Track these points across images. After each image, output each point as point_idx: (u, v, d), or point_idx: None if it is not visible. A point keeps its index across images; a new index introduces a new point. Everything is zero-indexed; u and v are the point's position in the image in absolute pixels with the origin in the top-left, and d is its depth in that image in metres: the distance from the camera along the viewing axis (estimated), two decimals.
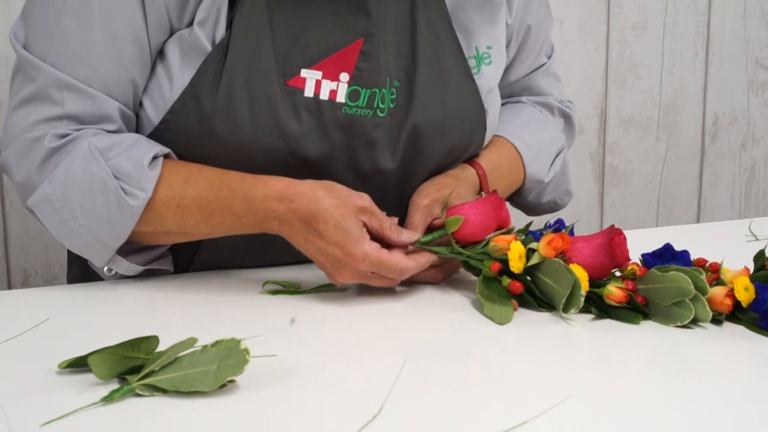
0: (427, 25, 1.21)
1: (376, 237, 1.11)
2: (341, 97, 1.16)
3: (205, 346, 0.86)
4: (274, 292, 1.14)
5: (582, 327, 1.05)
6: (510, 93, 1.42)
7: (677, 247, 1.14)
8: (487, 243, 1.12)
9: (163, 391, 0.86)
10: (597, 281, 1.08)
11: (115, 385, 0.87)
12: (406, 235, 1.12)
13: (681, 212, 2.32)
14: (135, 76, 1.14)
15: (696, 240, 1.31)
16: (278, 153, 1.14)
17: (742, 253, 1.18)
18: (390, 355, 0.97)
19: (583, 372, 0.95)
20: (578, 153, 2.18)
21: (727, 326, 1.06)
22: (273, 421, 0.83)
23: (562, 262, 1.06)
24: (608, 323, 1.06)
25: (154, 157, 1.11)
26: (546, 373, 0.94)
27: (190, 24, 1.14)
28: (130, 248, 1.16)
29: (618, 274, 1.11)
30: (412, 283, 1.16)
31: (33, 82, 1.12)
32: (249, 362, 0.85)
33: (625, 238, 1.09)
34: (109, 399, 0.84)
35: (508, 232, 1.14)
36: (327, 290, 1.15)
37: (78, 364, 0.90)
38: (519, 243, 1.09)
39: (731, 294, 1.06)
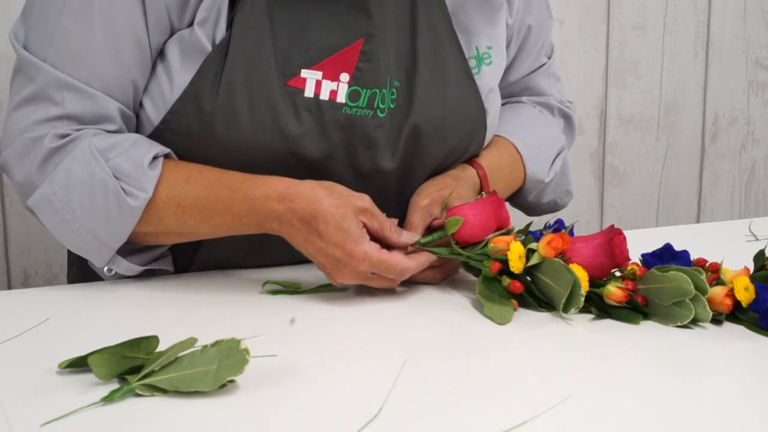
0: (428, 26, 1.21)
1: (376, 238, 1.11)
2: (341, 98, 1.16)
3: (205, 346, 0.86)
4: (274, 292, 1.14)
5: (582, 327, 1.05)
6: (510, 93, 1.42)
7: (677, 247, 1.14)
8: (487, 244, 1.12)
9: (163, 391, 0.86)
10: (597, 281, 1.08)
11: (115, 385, 0.87)
12: (406, 236, 1.12)
13: (681, 212, 2.32)
14: (135, 77, 1.14)
15: (696, 240, 1.31)
16: (278, 153, 1.14)
17: (742, 253, 1.18)
18: (390, 355, 0.97)
19: (583, 372, 0.95)
20: (578, 153, 2.18)
21: (727, 326, 1.06)
22: (273, 421, 0.83)
23: (561, 262, 1.06)
24: (608, 323, 1.06)
25: (155, 158, 1.11)
26: (546, 373, 0.94)
27: (191, 24, 1.14)
28: (130, 248, 1.16)
29: (618, 274, 1.11)
30: (411, 283, 1.16)
31: (33, 82, 1.12)
32: (249, 362, 0.85)
33: (624, 238, 1.09)
34: (109, 399, 0.84)
35: (508, 232, 1.14)
36: (327, 290, 1.15)
37: (78, 364, 0.90)
38: (519, 243, 1.09)
39: (731, 294, 1.06)
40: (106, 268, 1.15)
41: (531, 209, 1.42)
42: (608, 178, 2.24)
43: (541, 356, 0.98)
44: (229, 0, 1.13)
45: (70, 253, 1.34)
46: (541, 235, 1.11)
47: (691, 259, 1.13)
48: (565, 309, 1.06)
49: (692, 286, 1.03)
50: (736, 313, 1.07)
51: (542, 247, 1.08)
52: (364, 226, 1.09)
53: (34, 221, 1.30)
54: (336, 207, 1.08)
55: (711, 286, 1.06)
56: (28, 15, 1.15)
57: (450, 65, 1.23)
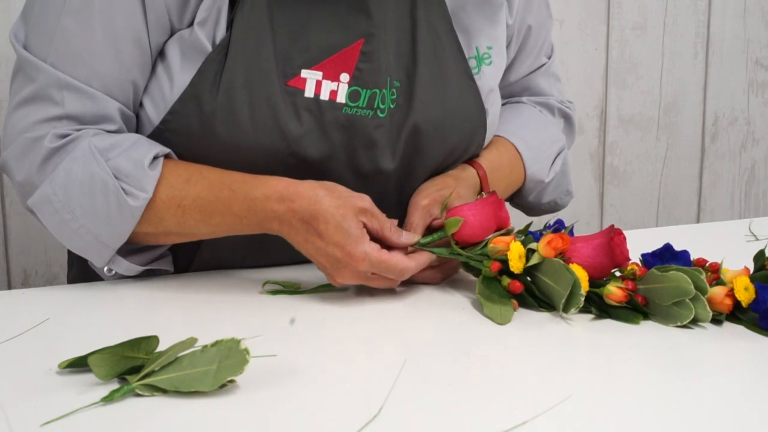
0: (428, 26, 1.21)
1: (376, 238, 1.11)
2: (341, 98, 1.16)
3: (205, 346, 0.86)
4: (274, 292, 1.14)
5: (582, 327, 1.05)
6: (510, 93, 1.42)
7: (677, 247, 1.14)
8: (487, 244, 1.12)
9: (163, 391, 0.86)
10: (597, 281, 1.08)
11: (115, 385, 0.87)
12: (406, 237, 1.12)
13: (681, 212, 2.32)
14: (135, 77, 1.14)
15: (696, 240, 1.31)
16: (278, 153, 1.14)
17: (742, 253, 1.18)
18: (390, 355, 0.97)
19: (583, 372, 0.95)
20: (578, 153, 2.18)
21: (727, 326, 1.06)
22: (273, 421, 0.83)
23: (562, 262, 1.06)
24: (608, 323, 1.06)
25: (155, 158, 1.11)
26: (546, 373, 0.94)
27: (191, 24, 1.14)
28: (130, 248, 1.16)
29: (618, 274, 1.11)
30: (411, 283, 1.16)
31: (33, 82, 1.12)
32: (249, 362, 0.85)
33: (624, 238, 1.09)
34: (109, 399, 0.84)
35: (508, 233, 1.14)
36: (327, 290, 1.14)
37: (78, 364, 0.90)
38: (518, 243, 1.09)
39: (731, 294, 1.06)
40: (106, 268, 1.15)
41: (531, 209, 1.41)
42: (608, 178, 2.24)
43: (541, 356, 0.98)
44: (230, 0, 1.13)
45: (70, 253, 1.34)
46: (541, 235, 1.11)
47: (691, 259, 1.13)
48: (565, 309, 1.06)
49: (692, 286, 1.03)
50: (736, 313, 1.07)
51: (542, 247, 1.08)
52: (364, 226, 1.09)
53: (34, 221, 1.30)
54: (336, 207, 1.08)
55: (711, 286, 1.06)
56: (28, 15, 1.15)
57: (450, 65, 1.23)
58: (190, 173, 1.12)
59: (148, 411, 0.84)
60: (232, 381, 0.87)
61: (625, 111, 2.22)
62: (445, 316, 1.09)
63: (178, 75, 1.14)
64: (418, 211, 1.17)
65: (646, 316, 1.07)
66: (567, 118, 1.45)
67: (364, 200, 1.10)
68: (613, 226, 1.11)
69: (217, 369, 0.85)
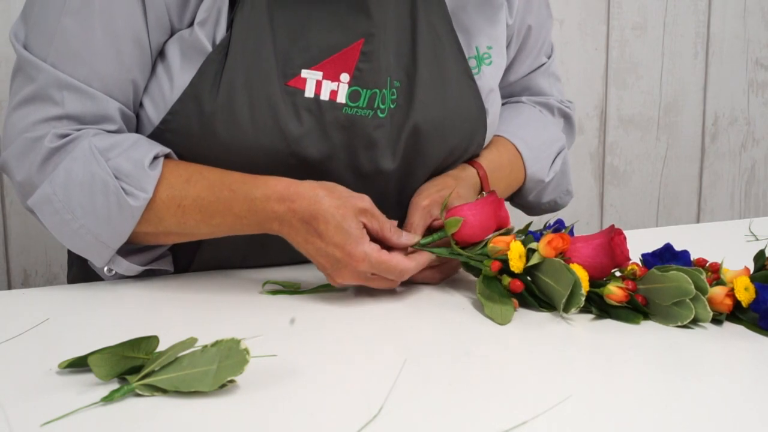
0: (428, 26, 1.21)
1: (376, 238, 1.11)
2: (342, 98, 1.16)
3: (205, 346, 0.86)
4: (274, 292, 1.14)
5: (582, 327, 1.05)
6: (510, 93, 1.42)
7: (677, 247, 1.13)
8: (487, 244, 1.12)
9: (163, 391, 0.86)
10: (597, 281, 1.08)
11: (115, 385, 0.87)
12: (406, 237, 1.12)
13: (681, 212, 2.32)
14: (135, 77, 1.14)
15: (696, 240, 1.31)
16: (278, 153, 1.14)
17: (742, 253, 1.18)
18: (390, 355, 0.97)
19: (583, 372, 0.95)
20: (578, 153, 2.18)
21: (728, 326, 1.06)
22: (273, 421, 0.83)
23: (562, 261, 1.06)
24: (608, 323, 1.06)
25: (155, 158, 1.11)
26: (546, 373, 0.94)
27: (191, 24, 1.14)
28: (130, 248, 1.16)
29: (618, 274, 1.11)
30: (411, 283, 1.16)
31: (33, 82, 1.12)
32: (249, 362, 0.85)
33: (625, 238, 1.09)
34: (109, 399, 0.84)
35: (508, 232, 1.14)
36: (327, 290, 1.14)
37: (78, 364, 0.90)
38: (519, 243, 1.09)
39: (731, 294, 1.06)
40: (106, 268, 1.15)
41: (531, 209, 1.42)
42: (608, 178, 2.24)
43: (541, 356, 0.98)
44: (230, 0, 1.13)
45: (70, 253, 1.34)
46: (542, 235, 1.11)
47: (691, 259, 1.13)
48: (566, 309, 1.06)
49: (693, 286, 1.03)
50: (737, 313, 1.07)
51: (543, 246, 1.08)
52: (364, 226, 1.09)
53: (34, 221, 1.30)
54: (336, 207, 1.08)
55: (711, 286, 1.06)
56: (28, 15, 1.15)
57: (450, 65, 1.23)
58: (190, 173, 1.12)
59: (148, 411, 0.84)
60: (232, 381, 0.87)
61: (625, 111, 2.22)
62: (445, 316, 1.09)
63: (178, 75, 1.14)
64: (419, 211, 1.17)
65: (646, 316, 1.07)
66: (567, 118, 1.45)
67: (364, 200, 1.10)
68: (613, 226, 1.11)
69: (217, 369, 0.85)
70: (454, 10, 1.25)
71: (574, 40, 2.13)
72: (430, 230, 1.17)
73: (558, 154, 1.39)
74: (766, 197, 2.39)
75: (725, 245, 1.31)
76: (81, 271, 1.27)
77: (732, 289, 1.06)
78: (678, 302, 1.04)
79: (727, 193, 2.35)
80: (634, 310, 1.07)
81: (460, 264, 1.16)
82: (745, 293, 1.05)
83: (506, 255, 1.09)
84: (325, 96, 1.15)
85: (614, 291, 1.06)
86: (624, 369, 0.96)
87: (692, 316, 1.03)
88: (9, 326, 1.02)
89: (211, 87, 1.12)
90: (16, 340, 0.99)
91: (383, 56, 1.17)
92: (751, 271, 1.11)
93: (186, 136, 1.14)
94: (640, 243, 1.17)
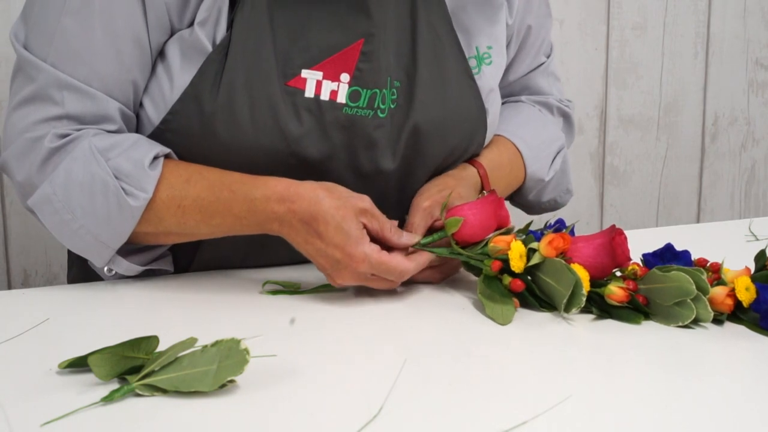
0: (428, 26, 1.21)
1: (376, 239, 1.10)
2: (342, 98, 1.16)
3: (205, 346, 0.86)
4: (274, 292, 1.14)
5: (583, 327, 1.05)
6: (509, 92, 1.42)
7: (677, 248, 1.13)
8: (487, 243, 1.11)
9: (163, 391, 0.86)
10: (598, 281, 1.08)
11: (115, 385, 0.87)
12: (406, 238, 1.12)
13: (681, 212, 2.32)
14: (135, 77, 1.14)
15: (696, 240, 1.31)
16: (279, 153, 1.13)
17: (742, 253, 1.18)
18: (390, 355, 0.97)
19: (583, 372, 0.95)
20: (578, 153, 2.18)
21: (728, 326, 1.06)
22: (273, 421, 0.83)
23: (563, 261, 1.06)
24: (609, 323, 1.06)
25: (155, 158, 1.11)
26: (546, 373, 0.94)
27: (191, 24, 1.14)
28: (130, 248, 1.16)
29: (619, 274, 1.11)
30: (411, 283, 1.15)
31: (33, 82, 1.12)
32: (249, 362, 0.85)
33: (626, 238, 1.09)
34: (109, 399, 0.84)
35: (508, 231, 1.14)
36: (327, 290, 1.14)
37: (78, 364, 0.90)
38: (519, 242, 1.09)
39: (732, 294, 1.06)
40: (106, 268, 1.15)
41: (531, 208, 1.42)
42: (608, 178, 2.24)
43: (541, 356, 0.98)
44: (230, 0, 1.13)
45: (70, 253, 1.34)
46: (542, 234, 1.11)
47: (692, 259, 1.13)
48: (567, 309, 1.06)
49: (694, 287, 1.03)
50: (737, 313, 1.07)
51: (543, 246, 1.08)
52: (365, 227, 1.09)
53: (34, 221, 1.30)
54: (336, 208, 1.08)
55: (712, 286, 1.06)
56: (28, 15, 1.15)
57: (450, 65, 1.23)
58: (190, 173, 1.12)
59: (148, 411, 0.84)
60: (232, 381, 0.87)
61: (625, 111, 2.22)
62: (445, 316, 1.09)
63: (178, 75, 1.13)
64: (420, 212, 1.17)
65: (647, 316, 1.07)
66: (566, 117, 1.45)
67: (365, 201, 1.10)
68: (614, 225, 1.11)
69: (217, 369, 0.85)
70: (454, 10, 1.25)
71: (574, 40, 2.13)
72: (431, 231, 1.16)
73: (558, 152, 1.39)
74: (766, 197, 2.39)
75: (725, 245, 1.31)
76: (81, 271, 1.27)
77: (733, 289, 1.06)
78: (679, 302, 1.04)
79: (727, 193, 2.35)
80: (635, 310, 1.07)
81: (461, 264, 1.16)
82: (746, 293, 1.05)
83: (507, 255, 1.08)
84: (325, 96, 1.15)
85: (615, 291, 1.06)
86: (625, 369, 0.96)
87: (693, 317, 1.03)
88: (9, 326, 1.02)
89: (212, 87, 1.12)
90: (16, 340, 0.99)
91: (383, 56, 1.17)
92: (752, 271, 1.10)
93: (186, 136, 1.14)
94: (640, 243, 1.17)
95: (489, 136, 1.29)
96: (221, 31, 1.13)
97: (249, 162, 1.13)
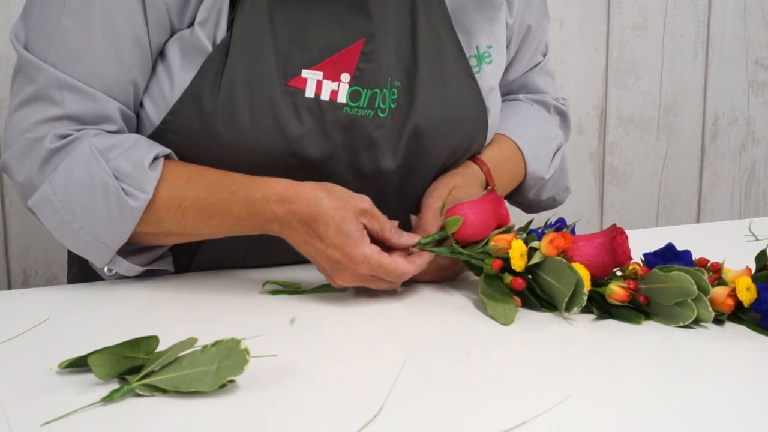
0: (428, 26, 1.21)
1: (376, 239, 1.10)
2: (342, 98, 1.15)
3: (205, 346, 0.86)
4: (274, 292, 1.14)
5: (584, 327, 1.05)
6: (508, 91, 1.42)
7: (678, 248, 1.13)
8: (488, 242, 1.11)
9: (163, 391, 0.86)
10: (599, 280, 1.08)
11: (115, 385, 0.87)
12: (406, 238, 1.12)
13: (681, 212, 2.32)
14: (135, 77, 1.14)
15: (696, 240, 1.31)
16: (279, 153, 1.13)
17: (742, 253, 1.18)
18: (390, 355, 0.97)
19: (584, 372, 0.95)
20: (578, 153, 2.18)
21: (729, 326, 1.06)
22: (273, 421, 0.83)
23: (564, 260, 1.06)
24: (610, 323, 1.06)
25: (155, 158, 1.11)
26: (547, 373, 0.94)
27: (191, 24, 1.14)
28: (130, 249, 1.16)
29: (619, 273, 1.11)
30: (411, 283, 1.15)
31: (33, 83, 1.12)
32: (249, 362, 0.85)
33: (626, 237, 1.09)
34: (109, 399, 0.84)
35: (508, 230, 1.14)
36: (327, 290, 1.14)
37: (78, 364, 0.90)
38: (520, 241, 1.08)
39: (733, 294, 1.06)
40: (106, 269, 1.15)
41: (530, 206, 1.42)
42: (608, 178, 2.24)
43: (542, 356, 0.98)
44: (230, 0, 1.13)
45: (70, 253, 1.34)
46: (543, 233, 1.11)
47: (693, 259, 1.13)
48: (568, 308, 1.06)
49: (695, 287, 1.03)
50: (738, 314, 1.07)
51: (544, 245, 1.08)
52: (365, 227, 1.09)
53: (34, 221, 1.30)
54: (336, 209, 1.08)
55: (713, 286, 1.06)
56: (29, 15, 1.15)
57: (450, 65, 1.23)
58: (190, 174, 1.12)
59: (148, 411, 0.84)
60: (232, 381, 0.87)
61: (625, 111, 2.22)
62: (445, 316, 1.09)
63: (178, 75, 1.13)
64: (431, 212, 1.17)
65: (648, 316, 1.07)
66: (562, 115, 1.45)
67: (365, 201, 1.10)
68: (615, 225, 1.11)
69: (217, 369, 0.85)
70: (453, 9, 1.25)
71: (574, 40, 2.13)
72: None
73: (557, 150, 1.39)
74: (766, 197, 2.39)
75: (725, 245, 1.31)
76: (81, 271, 1.27)
77: (734, 290, 1.06)
78: (680, 302, 1.04)
79: (727, 193, 2.35)
80: (636, 310, 1.07)
81: (463, 270, 1.15)
82: (747, 293, 1.05)
83: (507, 253, 1.08)
84: (325, 96, 1.15)
85: (616, 290, 1.06)
86: (625, 369, 0.96)
87: (694, 317, 1.03)
88: (9, 326, 1.02)
89: (212, 87, 1.12)
90: (16, 340, 0.99)
91: (384, 56, 1.17)
92: (753, 271, 1.10)
93: (186, 136, 1.13)
94: (640, 243, 1.17)
95: (490, 136, 1.29)
96: (221, 31, 1.13)
97: (249, 162, 1.13)
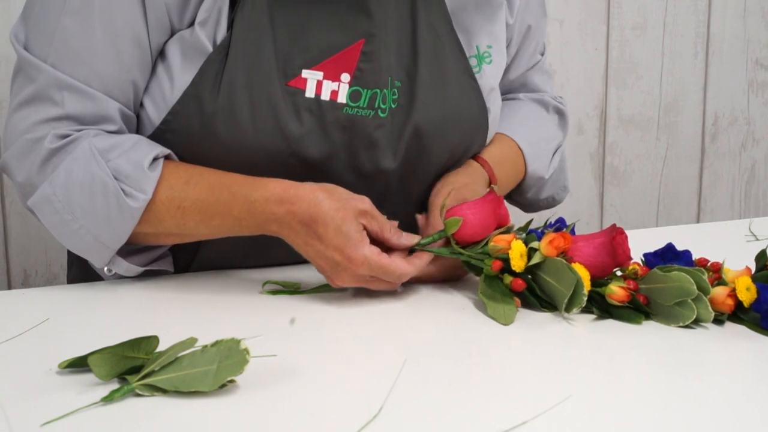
0: (428, 26, 1.21)
1: (376, 240, 1.10)
2: (342, 98, 1.15)
3: (205, 346, 0.86)
4: (274, 292, 1.14)
5: (584, 327, 1.05)
6: (508, 90, 1.43)
7: (678, 248, 1.13)
8: (488, 243, 1.11)
9: (163, 391, 0.86)
10: (599, 281, 1.08)
11: (115, 385, 0.86)
12: (406, 239, 1.12)
13: (681, 212, 2.32)
14: (135, 77, 1.14)
15: (696, 240, 1.31)
16: (279, 154, 1.13)
17: (742, 253, 1.18)
18: (390, 355, 0.97)
19: (584, 372, 0.95)
20: (578, 153, 2.18)
21: (729, 326, 1.06)
22: (273, 421, 0.83)
23: (564, 261, 1.06)
24: (610, 323, 1.06)
25: (155, 159, 1.11)
26: (547, 373, 0.94)
27: (191, 24, 1.14)
28: (130, 249, 1.16)
29: (619, 273, 1.11)
30: (411, 283, 1.15)
31: (33, 83, 1.12)
32: (249, 362, 0.85)
33: (626, 237, 1.09)
34: (109, 399, 0.84)
35: (508, 230, 1.14)
36: (327, 290, 1.14)
37: (78, 364, 0.90)
38: (520, 242, 1.08)
39: (733, 294, 1.06)
40: (106, 269, 1.15)
41: (529, 206, 1.42)
42: (608, 178, 2.24)
43: (542, 356, 0.98)
44: (230, 0, 1.13)
45: (70, 253, 1.34)
46: (543, 233, 1.11)
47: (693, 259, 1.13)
48: (568, 308, 1.06)
49: (695, 287, 1.03)
50: (738, 314, 1.07)
51: (544, 246, 1.08)
52: (364, 228, 1.09)
53: (34, 221, 1.30)
54: (336, 210, 1.07)
55: (713, 286, 1.06)
56: (29, 15, 1.15)
57: (451, 65, 1.23)
58: (189, 175, 1.12)
59: (148, 411, 0.84)
60: (232, 381, 0.87)
61: (625, 111, 2.22)
62: (445, 316, 1.08)
63: (178, 75, 1.13)
64: (439, 211, 1.17)
65: (647, 316, 1.07)
66: (561, 114, 1.46)
67: (364, 202, 1.10)
68: (614, 225, 1.11)
69: (217, 369, 0.85)
70: (453, 9, 1.25)
71: (574, 40, 2.13)
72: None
73: (556, 150, 1.40)
74: (766, 197, 2.39)
75: (725, 245, 1.31)
76: (81, 271, 1.27)
77: (734, 290, 1.06)
78: (680, 302, 1.04)
79: (727, 193, 2.35)
80: (636, 310, 1.07)
81: (464, 274, 1.15)
82: (747, 293, 1.05)
83: (507, 254, 1.08)
84: (325, 96, 1.15)
85: (616, 291, 1.06)
86: (625, 369, 0.96)
87: (694, 317, 1.03)
88: (9, 326, 1.02)
89: (212, 87, 1.12)
90: (16, 340, 0.99)
91: (384, 56, 1.17)
92: (753, 271, 1.10)
93: (187, 137, 1.13)
94: (640, 243, 1.16)
95: (490, 136, 1.30)
96: (221, 32, 1.13)
97: (249, 162, 1.13)
